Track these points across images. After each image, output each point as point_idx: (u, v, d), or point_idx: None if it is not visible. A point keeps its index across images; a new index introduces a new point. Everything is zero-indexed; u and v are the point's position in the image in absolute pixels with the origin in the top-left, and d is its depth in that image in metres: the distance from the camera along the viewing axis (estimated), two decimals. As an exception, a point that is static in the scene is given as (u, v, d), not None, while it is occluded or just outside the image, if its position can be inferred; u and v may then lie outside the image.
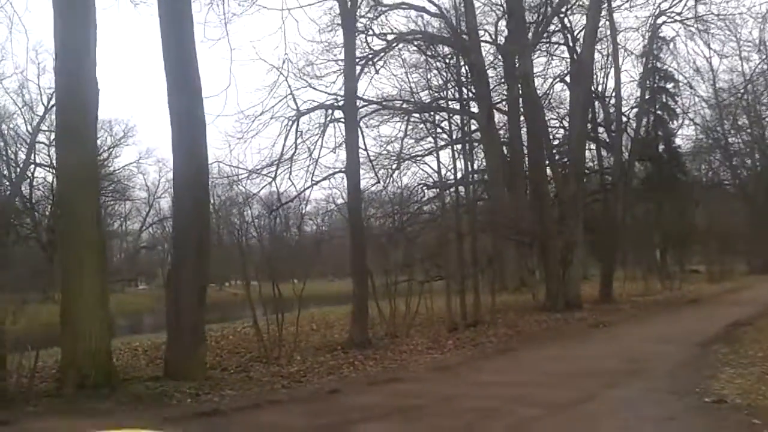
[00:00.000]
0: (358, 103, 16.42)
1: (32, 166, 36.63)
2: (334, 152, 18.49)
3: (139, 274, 57.66)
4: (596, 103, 26.13)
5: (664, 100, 31.39)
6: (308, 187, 18.20)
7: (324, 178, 18.01)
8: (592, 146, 27.21)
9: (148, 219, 57.17)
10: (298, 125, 17.83)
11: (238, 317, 22.73)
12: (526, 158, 24.31)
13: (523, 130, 24.84)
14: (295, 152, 17.97)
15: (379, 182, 19.93)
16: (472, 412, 7.11)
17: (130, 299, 40.80)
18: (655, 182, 28.23)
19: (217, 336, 15.17)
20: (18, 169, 35.21)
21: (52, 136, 34.82)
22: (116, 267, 45.35)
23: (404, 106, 22.46)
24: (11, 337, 8.77)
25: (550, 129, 25.37)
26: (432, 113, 23.47)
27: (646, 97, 27.65)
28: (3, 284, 9.09)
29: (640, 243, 28.06)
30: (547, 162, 22.51)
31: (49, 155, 36.93)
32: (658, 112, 30.75)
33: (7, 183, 32.59)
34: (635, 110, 28.59)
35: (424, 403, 7.80)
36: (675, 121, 31.80)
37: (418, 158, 24.70)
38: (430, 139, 24.01)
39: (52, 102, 28.29)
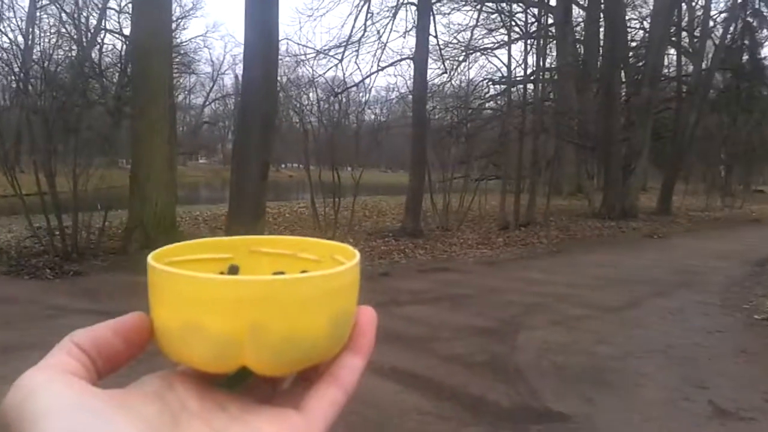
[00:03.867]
0: (431, -14, 15.84)
1: (102, 32, 37.00)
2: (404, 37, 18.13)
3: (200, 148, 59.07)
4: (683, 4, 24.49)
5: (758, 5, 29.15)
6: (374, 72, 18.02)
7: (391, 64, 17.76)
8: (672, 52, 25.81)
9: (212, 94, 57.76)
10: (369, 6, 17.40)
11: (293, 198, 23.34)
12: (600, 59, 23.24)
13: (602, 30, 23.61)
14: (364, 34, 17.65)
15: (445, 72, 19.51)
16: (519, 305, 7.28)
17: (190, 172, 42.11)
18: (734, 94, 26.76)
19: (274, 213, 15.66)
20: (89, 35, 35.60)
21: (123, 2, 34.93)
22: (179, 140, 46.41)
23: (479, -8, 21.52)
24: (81, 197, 9.24)
25: (629, 30, 24.09)
26: (507, 3, 22.44)
27: (739, 0, 25.72)
28: (73, 148, 9.45)
29: (707, 157, 27.04)
30: (622, 64, 21.50)
31: (119, 22, 37.19)
32: (749, 18, 28.66)
33: (78, 48, 33.05)
34: (723, 15, 26.77)
35: (472, 293, 8.01)
36: (766, 29, 29.67)
37: (488, 51, 23.85)
38: (502, 30, 23.11)
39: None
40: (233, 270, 0.54)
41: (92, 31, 35.78)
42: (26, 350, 4.99)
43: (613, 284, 8.83)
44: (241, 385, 0.47)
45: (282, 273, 0.53)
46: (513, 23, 22.60)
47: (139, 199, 9.58)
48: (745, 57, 28.33)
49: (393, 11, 17.61)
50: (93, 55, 34.64)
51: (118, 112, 26.62)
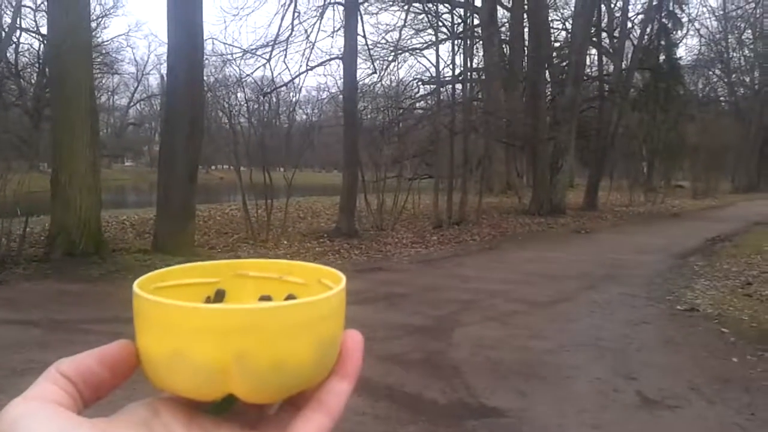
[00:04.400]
0: (358, -13, 15.83)
1: (18, 30, 35.37)
2: (332, 37, 18.13)
3: (125, 150, 57.28)
4: (602, 6, 25.37)
5: (671, 7, 30.53)
6: (303, 72, 17.84)
7: (320, 64, 17.65)
8: (593, 52, 26.70)
9: (136, 95, 56.13)
10: (296, 5, 17.23)
11: (224, 200, 22.90)
12: (526, 59, 23.83)
13: (526, 30, 24.22)
14: (291, 34, 17.45)
15: (375, 72, 19.56)
16: (455, 302, 7.35)
17: (116, 175, 40.78)
18: (652, 93, 27.92)
19: (205, 216, 15.32)
20: (3, 33, 33.97)
21: (39, 0, 33.47)
22: (103, 142, 44.89)
23: (406, -8, 21.68)
24: (-1, 202, 8.82)
25: (553, 30, 24.80)
26: (434, 3, 22.68)
27: (654, 2, 26.85)
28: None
29: (629, 154, 28.13)
30: (546, 65, 22.09)
31: (35, 20, 35.65)
32: (664, 20, 29.99)
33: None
34: (641, 16, 27.91)
35: (408, 292, 8.04)
36: (679, 31, 31.12)
37: (416, 51, 24.08)
38: (430, 31, 23.35)
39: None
40: (220, 294, 0.55)
41: (6, 29, 34.14)
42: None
43: (544, 279, 9.04)
44: (227, 411, 0.47)
45: (268, 297, 0.55)
46: (440, 24, 22.89)
47: (61, 204, 9.18)
48: (662, 57, 29.60)
49: (320, 11, 17.52)
50: (9, 54, 33.11)
51: (38, 114, 25.54)
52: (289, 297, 0.54)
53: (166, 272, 0.53)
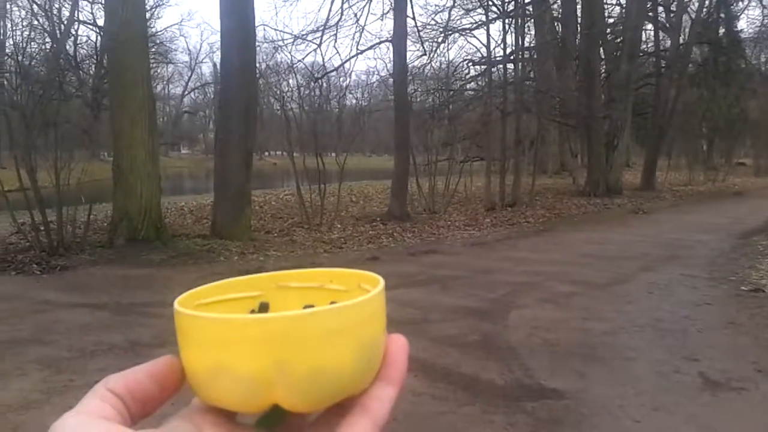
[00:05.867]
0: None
1: (76, 23, 36.41)
2: (381, 20, 18.09)
3: (181, 138, 58.57)
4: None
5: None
6: (353, 56, 17.99)
7: (370, 47, 17.72)
8: (649, 27, 25.87)
9: (190, 84, 57.22)
10: (345, -12, 17.25)
11: (279, 186, 23.23)
12: (579, 36, 23.25)
13: (579, 7, 23.58)
14: (341, 18, 17.50)
15: (425, 54, 19.43)
16: (509, 284, 7.31)
17: (172, 162, 41.74)
18: (712, 68, 26.92)
19: (260, 201, 15.59)
20: (62, 27, 35.01)
21: (95, -7, 34.30)
22: (160, 131, 46.00)
23: (455, -29, 21.42)
24: (64, 191, 9.14)
25: (606, 6, 24.08)
26: (484, -19, 22.28)
27: (713, -28, 25.83)
28: (53, 142, 9.34)
29: (688, 131, 27.27)
30: (600, 41, 21.52)
31: (92, 13, 36.60)
32: (724, -10, 28.80)
33: (52, 41, 32.53)
34: (699, -13, 26.84)
35: (462, 275, 8.03)
36: (740, 2, 29.83)
37: (466, 31, 23.72)
38: (480, 10, 22.96)
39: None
40: (263, 307, 0.55)
41: (65, 22, 35.18)
42: (20, 346, 4.95)
43: (601, 261, 8.89)
44: (279, 424, 0.46)
45: (311, 306, 0.53)
46: (490, 3, 22.48)
47: (123, 192, 9.48)
48: (722, 30, 28.48)
49: (369, -8, 17.49)
50: (68, 47, 34.12)
51: (97, 105, 26.29)
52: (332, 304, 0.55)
53: (207, 289, 0.53)
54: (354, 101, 25.60)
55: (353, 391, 0.45)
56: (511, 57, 19.35)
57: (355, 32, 17.87)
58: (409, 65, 16.33)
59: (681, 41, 25.08)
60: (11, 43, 31.71)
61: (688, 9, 26.33)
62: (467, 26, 23.80)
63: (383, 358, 0.48)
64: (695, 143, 28.68)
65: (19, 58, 14.87)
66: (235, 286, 0.55)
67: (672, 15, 25.18)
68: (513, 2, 21.20)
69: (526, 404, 3.94)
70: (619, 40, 22.68)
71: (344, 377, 0.44)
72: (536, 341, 5.17)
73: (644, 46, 25.62)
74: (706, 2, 25.47)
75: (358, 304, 0.45)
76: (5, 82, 11.66)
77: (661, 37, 27.20)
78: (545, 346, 5.04)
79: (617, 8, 26.12)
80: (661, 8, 26.04)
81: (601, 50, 22.16)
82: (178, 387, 0.47)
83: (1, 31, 33.27)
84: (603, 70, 21.94)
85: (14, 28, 34.63)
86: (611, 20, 25.67)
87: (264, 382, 0.42)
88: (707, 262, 8.67)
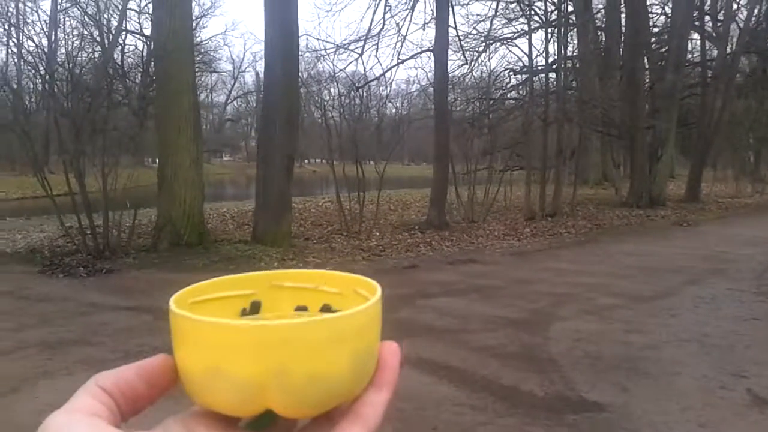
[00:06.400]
0: (450, -23, 15.76)
1: (124, 33, 37.32)
2: (423, 29, 18.11)
3: (224, 145, 59.51)
4: (705, -13, 24.10)
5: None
6: (395, 65, 18.01)
7: (411, 56, 17.74)
8: (695, 37, 25.40)
9: (233, 92, 58.18)
10: (387, -1, 17.37)
11: (318, 193, 23.41)
12: (623, 45, 22.94)
13: (623, 16, 23.30)
14: (383, 27, 17.62)
15: (466, 63, 19.41)
16: (549, 296, 7.23)
17: (215, 169, 42.45)
18: (760, 78, 26.24)
19: (300, 208, 15.73)
20: (111, 36, 35.93)
21: (143, 3, 35.16)
22: (203, 138, 46.75)
23: (498, -19, 21.38)
24: (110, 196, 9.37)
25: (651, 15, 23.74)
26: (527, -9, 22.21)
27: (762, -19, 25.21)
28: (100, 148, 9.60)
29: (735, 142, 26.61)
30: (644, 51, 21.19)
31: (139, 23, 37.49)
32: (775, -2, 28.10)
33: (101, 50, 33.39)
34: (748, -4, 26.25)
35: (501, 285, 7.97)
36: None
37: (508, 40, 23.65)
38: (522, 20, 22.88)
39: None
40: (255, 306, 0.56)
41: (113, 32, 36.10)
42: (68, 346, 5.08)
43: (644, 273, 8.73)
44: (267, 427, 0.47)
45: (304, 307, 0.55)
46: (532, 12, 22.36)
47: (167, 197, 9.69)
48: (772, 39, 27.76)
49: (411, 3, 17.59)
50: (115, 56, 34.97)
51: (143, 112, 26.87)
52: (325, 306, 0.55)
53: (203, 286, 0.53)
54: (394, 110, 25.71)
55: (347, 398, 0.46)
56: (554, 66, 19.21)
57: (397, 42, 17.93)
58: (450, 74, 16.34)
59: (728, 50, 24.53)
60: (63, 52, 32.63)
61: (737, 18, 25.77)
62: (509, 35, 23.73)
63: (376, 364, 0.48)
64: (742, 154, 27.95)
65: (70, 66, 15.28)
66: (230, 283, 0.56)
67: (719, 24, 24.67)
68: (556, 11, 21.05)
69: (567, 417, 3.89)
70: (664, 49, 22.32)
71: (340, 385, 0.44)
72: (578, 353, 5.10)
73: (690, 55, 25.13)
74: (755, 11, 24.89)
75: (357, 313, 0.45)
76: (56, 90, 11.99)
77: (707, 47, 26.68)
78: (587, 359, 4.97)
79: (662, 17, 25.75)
80: (707, 17, 25.54)
81: (646, 60, 21.81)
82: (169, 386, 0.47)
83: (53, 41, 34.28)
84: (647, 80, 21.58)
85: (65, 37, 35.68)
86: (656, 29, 25.31)
87: (259, 387, 0.42)
88: (754, 276, 8.44)
